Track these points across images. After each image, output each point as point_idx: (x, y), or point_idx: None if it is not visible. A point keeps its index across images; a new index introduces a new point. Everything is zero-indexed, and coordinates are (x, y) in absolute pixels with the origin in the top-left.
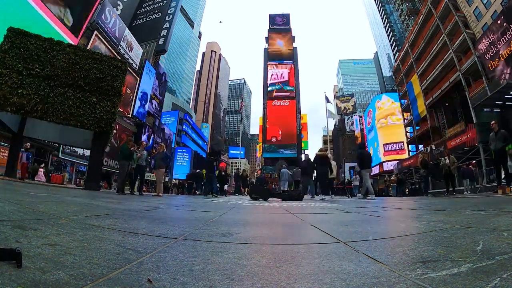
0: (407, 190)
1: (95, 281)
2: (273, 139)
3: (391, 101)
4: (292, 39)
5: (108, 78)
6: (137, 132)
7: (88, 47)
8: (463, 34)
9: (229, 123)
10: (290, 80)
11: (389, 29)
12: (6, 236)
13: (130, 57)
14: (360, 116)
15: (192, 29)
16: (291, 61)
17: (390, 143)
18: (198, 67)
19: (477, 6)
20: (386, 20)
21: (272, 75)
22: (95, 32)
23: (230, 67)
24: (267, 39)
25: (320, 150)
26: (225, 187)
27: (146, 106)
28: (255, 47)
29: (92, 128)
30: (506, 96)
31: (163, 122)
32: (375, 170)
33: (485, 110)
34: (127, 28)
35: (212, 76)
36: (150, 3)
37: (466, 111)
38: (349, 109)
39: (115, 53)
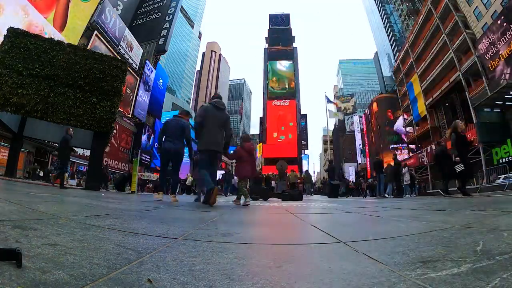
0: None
1: (95, 281)
2: (273, 139)
3: None
4: (292, 39)
5: (108, 78)
6: (137, 132)
7: (88, 47)
8: (463, 34)
9: None
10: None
11: (389, 29)
12: (6, 236)
13: (130, 57)
14: (360, 116)
15: (192, 29)
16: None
17: None
18: (198, 67)
19: (477, 6)
20: (386, 20)
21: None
22: (95, 32)
23: (230, 67)
24: (267, 39)
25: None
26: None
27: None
28: (255, 47)
29: (92, 128)
30: (506, 96)
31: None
32: None
33: (485, 110)
34: (127, 28)
35: (212, 76)
36: (150, 3)
37: (466, 111)
38: (349, 109)
39: (115, 53)
